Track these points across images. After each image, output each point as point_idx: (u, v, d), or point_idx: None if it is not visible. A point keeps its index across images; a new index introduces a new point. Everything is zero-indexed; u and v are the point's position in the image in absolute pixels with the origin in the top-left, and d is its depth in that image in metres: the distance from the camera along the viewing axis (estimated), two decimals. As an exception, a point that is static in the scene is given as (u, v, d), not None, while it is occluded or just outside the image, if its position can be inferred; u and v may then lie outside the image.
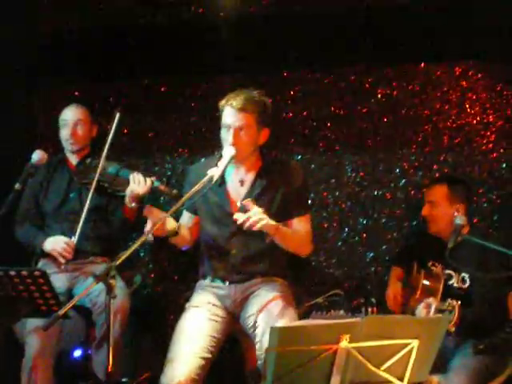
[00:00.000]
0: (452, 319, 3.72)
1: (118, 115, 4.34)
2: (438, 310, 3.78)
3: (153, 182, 4.17)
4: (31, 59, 5.11)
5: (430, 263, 4.18)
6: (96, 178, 4.27)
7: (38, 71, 5.20)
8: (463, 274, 4.07)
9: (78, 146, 4.58)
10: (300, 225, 3.78)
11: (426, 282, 4.07)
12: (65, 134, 4.56)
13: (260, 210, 3.49)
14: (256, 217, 3.46)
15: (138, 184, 4.16)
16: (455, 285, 4.07)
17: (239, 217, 3.48)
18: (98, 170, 4.28)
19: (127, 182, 4.21)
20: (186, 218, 3.93)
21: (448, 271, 4.11)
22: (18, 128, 5.11)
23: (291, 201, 3.78)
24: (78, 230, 4.26)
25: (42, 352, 4.02)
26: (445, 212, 4.12)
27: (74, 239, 4.27)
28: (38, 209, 4.57)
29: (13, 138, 5.02)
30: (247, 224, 3.46)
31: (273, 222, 3.55)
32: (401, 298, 4.24)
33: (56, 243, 4.32)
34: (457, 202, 4.13)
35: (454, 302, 3.78)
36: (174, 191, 4.19)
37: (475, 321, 3.85)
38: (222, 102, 3.71)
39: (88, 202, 4.27)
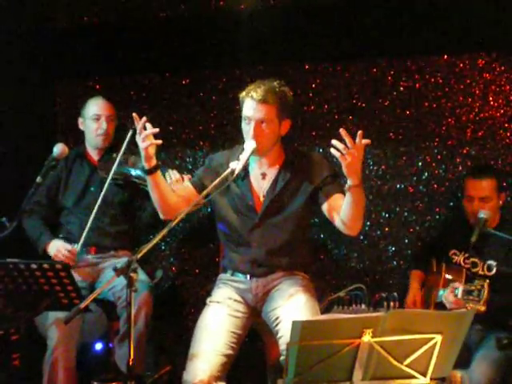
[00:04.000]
0: (482, 298, 3.71)
1: (130, 132, 4.22)
2: (466, 292, 3.76)
3: (190, 179, 4.16)
4: (51, 51, 5.12)
5: (451, 252, 4.18)
6: (118, 172, 4.29)
7: (58, 63, 5.20)
8: (489, 262, 4.06)
9: (109, 141, 4.58)
10: None
11: (448, 276, 4.06)
12: (97, 128, 4.52)
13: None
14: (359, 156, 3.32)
15: (177, 182, 4.14)
16: (480, 272, 4.06)
17: (336, 143, 3.34)
18: (129, 163, 4.31)
19: None
20: (188, 190, 3.81)
21: (473, 259, 4.11)
22: (37, 121, 5.12)
23: (325, 186, 3.71)
24: (86, 230, 4.22)
25: (64, 345, 4.02)
26: (494, 204, 4.14)
27: (77, 246, 4.24)
28: (50, 202, 4.55)
29: (33, 132, 5.03)
30: (349, 159, 3.32)
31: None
32: (420, 303, 4.23)
33: (59, 250, 4.29)
34: (500, 191, 4.17)
35: (483, 281, 3.77)
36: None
37: (503, 303, 3.83)
38: (243, 94, 3.68)
39: (101, 196, 4.25)
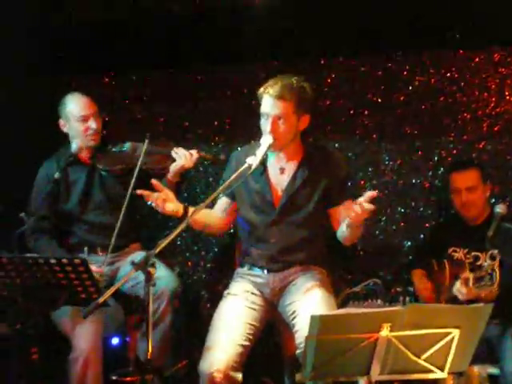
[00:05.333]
0: (495, 280, 3.72)
1: (146, 142, 4.13)
2: (477, 279, 3.76)
3: (199, 153, 4.18)
4: (56, 48, 5.11)
5: (450, 250, 4.20)
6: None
7: (63, 61, 5.20)
8: (491, 252, 4.05)
9: (98, 140, 4.36)
10: None
11: (452, 270, 4.07)
12: (87, 129, 4.28)
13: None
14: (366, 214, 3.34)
15: (185, 158, 4.15)
16: (484, 263, 4.05)
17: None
18: (142, 154, 4.13)
19: (163, 159, 4.22)
20: (223, 202, 3.92)
21: (474, 253, 4.11)
22: (42, 120, 5.10)
23: (335, 190, 3.76)
24: (114, 238, 4.02)
25: (93, 345, 3.95)
26: (481, 194, 4.18)
27: (103, 267, 4.12)
28: (53, 213, 4.34)
29: (46, 127, 5.02)
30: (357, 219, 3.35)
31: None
32: (431, 287, 4.23)
33: None
34: (485, 182, 4.20)
35: (491, 262, 3.78)
36: (222, 156, 4.30)
37: None
38: (261, 90, 3.68)
39: (129, 191, 4.04)
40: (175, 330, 4.26)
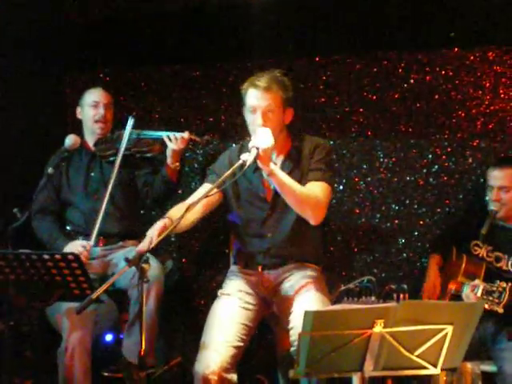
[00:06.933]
0: (502, 301, 3.71)
1: (131, 121, 4.38)
2: (486, 292, 3.76)
3: (190, 135, 4.26)
4: (61, 43, 5.11)
5: (473, 243, 4.16)
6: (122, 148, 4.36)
7: (67, 56, 5.21)
8: None
9: (107, 129, 4.55)
10: (312, 188, 3.67)
11: (468, 266, 4.04)
12: (95, 114, 4.51)
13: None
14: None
15: (176, 141, 4.25)
16: (504, 268, 4.05)
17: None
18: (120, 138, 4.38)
19: (152, 142, 4.39)
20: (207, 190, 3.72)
21: (497, 253, 4.09)
22: (47, 113, 5.12)
23: (309, 169, 3.74)
24: (102, 211, 4.19)
25: (79, 336, 3.96)
26: None
27: (91, 242, 4.19)
28: (59, 199, 4.50)
29: (43, 123, 5.04)
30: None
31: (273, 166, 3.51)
32: (439, 288, 4.22)
33: (73, 249, 4.14)
34: None
35: (504, 284, 3.76)
36: (206, 137, 4.41)
37: None
38: (245, 85, 3.71)
39: (115, 172, 4.27)
40: (168, 327, 4.26)
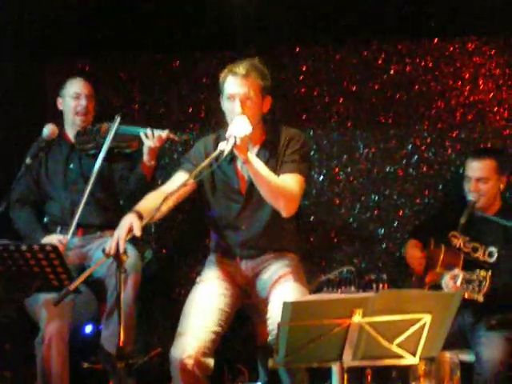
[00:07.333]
0: (482, 289, 3.72)
1: (118, 119, 4.34)
2: (466, 281, 3.78)
3: (168, 135, 4.22)
4: (40, 32, 5.06)
5: (450, 234, 4.17)
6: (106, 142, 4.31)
7: (46, 45, 5.16)
8: (491, 249, 4.06)
9: (88, 121, 4.52)
10: (286, 180, 3.63)
11: (446, 257, 4.05)
12: (76, 106, 4.48)
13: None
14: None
15: (152, 138, 4.21)
16: (481, 258, 4.06)
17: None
18: (102, 131, 4.36)
19: (131, 138, 4.35)
20: (183, 179, 3.65)
21: (474, 244, 4.11)
22: (27, 103, 5.08)
23: (284, 161, 3.71)
24: (82, 204, 4.16)
25: (56, 326, 3.95)
26: (494, 186, 4.12)
27: (68, 236, 4.17)
28: (38, 189, 4.48)
29: (22, 114, 5.00)
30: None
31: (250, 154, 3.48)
32: (423, 259, 4.24)
33: (50, 242, 4.09)
34: (502, 174, 4.15)
35: (484, 272, 3.77)
36: (184, 136, 4.39)
37: (505, 293, 3.85)
38: (223, 73, 3.68)
39: (96, 167, 4.24)
40: (147, 317, 4.24)
